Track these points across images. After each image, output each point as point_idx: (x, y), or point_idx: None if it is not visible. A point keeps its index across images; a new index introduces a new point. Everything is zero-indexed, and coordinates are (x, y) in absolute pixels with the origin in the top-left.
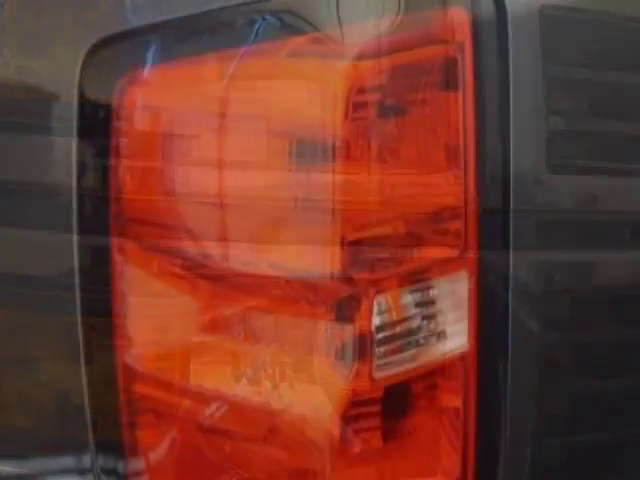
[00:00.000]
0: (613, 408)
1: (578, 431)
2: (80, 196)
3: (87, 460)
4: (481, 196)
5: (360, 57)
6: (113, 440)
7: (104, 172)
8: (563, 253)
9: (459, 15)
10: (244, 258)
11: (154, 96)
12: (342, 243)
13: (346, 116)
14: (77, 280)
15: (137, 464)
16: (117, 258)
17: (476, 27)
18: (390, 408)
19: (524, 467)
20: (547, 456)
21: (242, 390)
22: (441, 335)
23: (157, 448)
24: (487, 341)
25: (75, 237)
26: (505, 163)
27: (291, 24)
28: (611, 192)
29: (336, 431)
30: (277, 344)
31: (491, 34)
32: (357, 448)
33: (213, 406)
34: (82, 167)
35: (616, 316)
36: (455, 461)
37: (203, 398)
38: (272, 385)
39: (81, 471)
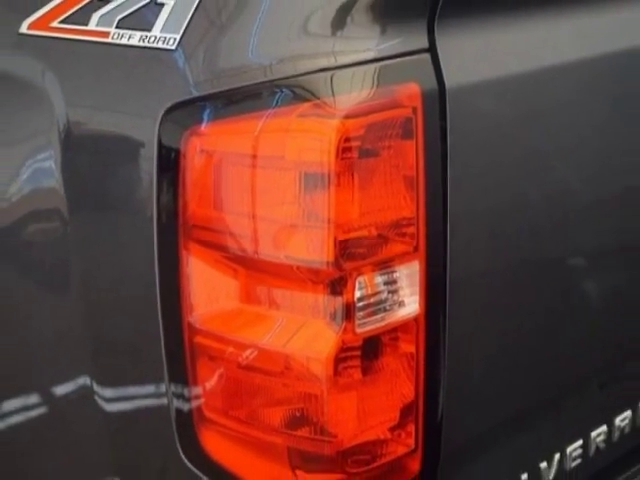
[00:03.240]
0: (525, 345)
1: (496, 365)
2: (159, 210)
3: (163, 387)
4: (428, 210)
5: (347, 117)
6: (181, 374)
7: (175, 194)
8: (485, 244)
9: (413, 88)
10: (269, 252)
11: (209, 143)
12: (335, 242)
13: (337, 157)
14: (156, 266)
15: (197, 391)
16: (183, 252)
17: (425, 96)
18: (367, 353)
19: (459, 392)
20: (476, 385)
21: (268, 340)
22: (401, 304)
23: (210, 380)
24: (432, 307)
25: (155, 238)
26: (444, 186)
27: (300, 94)
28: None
29: (330, 368)
30: (291, 310)
31: (434, 101)
32: (344, 379)
33: (248, 351)
34: (160, 191)
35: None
36: (410, 389)
37: (241, 346)
38: (288, 337)
39: (158, 395)
